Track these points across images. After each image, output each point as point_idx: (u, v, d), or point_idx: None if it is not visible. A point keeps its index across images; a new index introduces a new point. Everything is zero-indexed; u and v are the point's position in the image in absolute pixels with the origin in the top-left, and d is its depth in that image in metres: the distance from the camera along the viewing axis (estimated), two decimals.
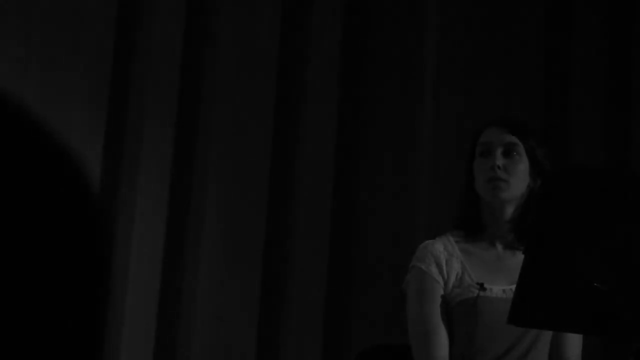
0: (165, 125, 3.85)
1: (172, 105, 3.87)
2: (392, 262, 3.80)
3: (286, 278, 3.88)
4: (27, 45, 3.76)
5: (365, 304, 3.89)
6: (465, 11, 4.06)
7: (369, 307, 3.88)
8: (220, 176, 3.89)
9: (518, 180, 2.63)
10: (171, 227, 3.82)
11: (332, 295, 3.88)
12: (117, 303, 3.72)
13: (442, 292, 2.62)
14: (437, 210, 3.82)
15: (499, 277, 2.63)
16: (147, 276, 3.76)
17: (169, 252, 3.81)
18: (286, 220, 3.92)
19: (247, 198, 3.88)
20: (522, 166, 2.64)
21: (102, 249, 0.83)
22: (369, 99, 4.04)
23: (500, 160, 2.63)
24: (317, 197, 3.91)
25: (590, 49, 4.06)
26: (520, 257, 2.51)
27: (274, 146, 3.92)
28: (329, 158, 3.94)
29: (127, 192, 3.80)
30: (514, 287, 2.21)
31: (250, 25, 3.98)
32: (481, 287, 2.58)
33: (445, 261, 2.64)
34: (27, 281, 0.77)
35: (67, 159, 0.83)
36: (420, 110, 4.02)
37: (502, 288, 2.60)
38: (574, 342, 2.67)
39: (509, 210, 2.65)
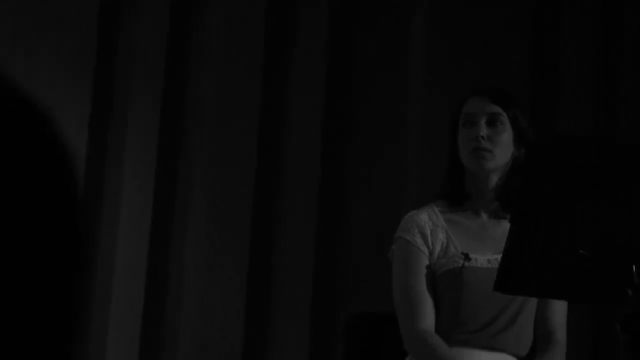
0: (150, 116, 3.84)
1: (156, 97, 3.86)
2: (379, 231, 3.80)
3: (273, 263, 3.87)
4: (12, 43, 3.74)
5: (353, 275, 3.89)
6: (453, 6, 4.02)
7: (356, 277, 3.88)
8: (205, 169, 3.88)
9: (502, 149, 2.63)
10: (157, 217, 3.81)
11: (319, 282, 3.86)
12: (103, 295, 3.71)
13: (427, 262, 2.62)
14: (426, 194, 3.80)
15: (483, 246, 2.64)
16: (133, 267, 3.75)
17: (155, 243, 3.79)
18: (273, 207, 3.90)
19: (233, 188, 3.86)
20: (506, 135, 2.65)
21: (86, 242, 0.83)
22: (356, 93, 4.01)
23: (484, 131, 2.63)
24: (304, 183, 3.89)
25: (578, 24, 4.04)
26: (505, 225, 2.52)
27: (259, 139, 3.89)
28: (316, 149, 3.91)
29: (112, 184, 3.79)
30: (499, 257, 2.22)
31: (235, 22, 3.95)
32: (466, 257, 2.58)
33: (430, 231, 2.64)
34: (8, 272, 0.77)
35: (51, 151, 0.82)
36: (407, 106, 3.98)
37: (487, 258, 2.61)
38: (559, 309, 2.68)
39: (494, 180, 2.66)
